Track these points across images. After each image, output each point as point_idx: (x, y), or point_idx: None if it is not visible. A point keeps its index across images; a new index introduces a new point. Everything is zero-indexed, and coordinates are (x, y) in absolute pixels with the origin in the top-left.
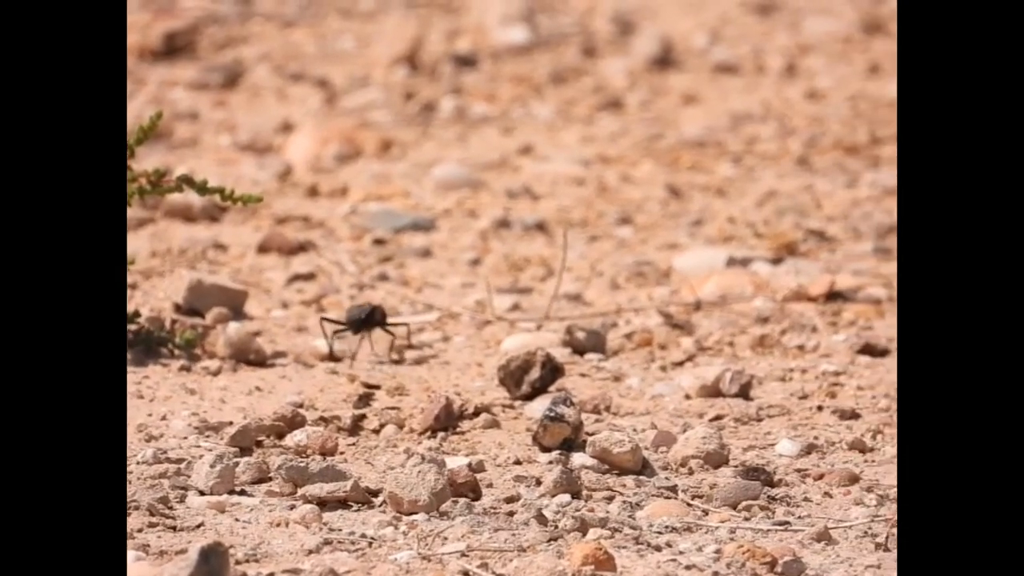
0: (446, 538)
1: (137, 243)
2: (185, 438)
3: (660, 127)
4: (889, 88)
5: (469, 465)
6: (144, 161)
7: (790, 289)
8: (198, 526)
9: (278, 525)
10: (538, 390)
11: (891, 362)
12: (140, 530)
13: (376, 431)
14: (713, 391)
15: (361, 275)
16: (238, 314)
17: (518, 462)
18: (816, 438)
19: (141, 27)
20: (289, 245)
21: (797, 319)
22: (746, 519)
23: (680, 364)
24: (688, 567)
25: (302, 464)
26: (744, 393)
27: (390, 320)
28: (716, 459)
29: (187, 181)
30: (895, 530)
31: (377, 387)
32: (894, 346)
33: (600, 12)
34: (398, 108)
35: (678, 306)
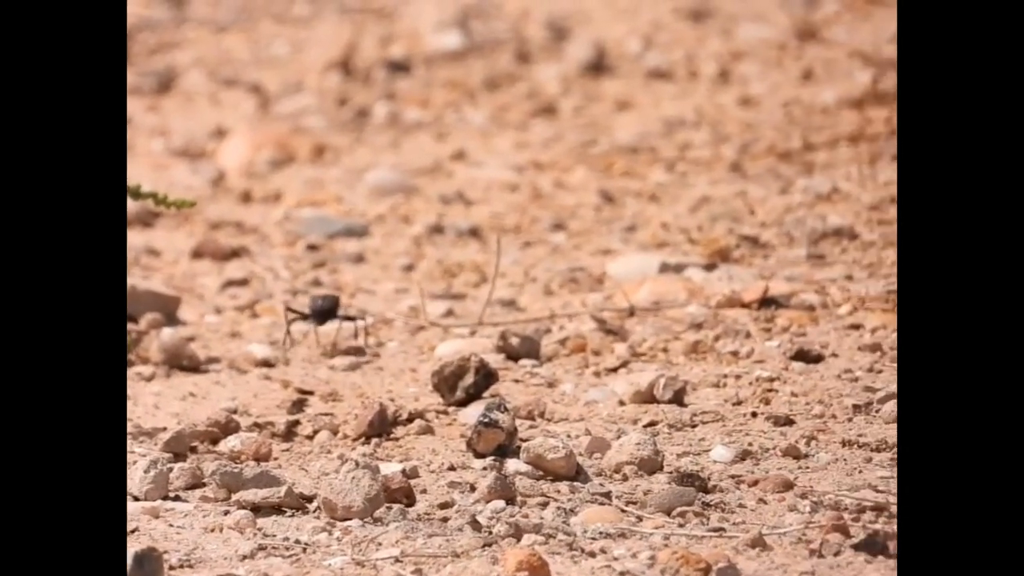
0: (380, 544)
1: None
2: None
3: (594, 133)
4: (822, 94)
5: (403, 471)
6: None
7: (724, 295)
8: (132, 531)
9: (212, 531)
10: (472, 396)
11: (824, 368)
12: None
13: (310, 437)
14: (647, 397)
15: (294, 281)
16: (172, 320)
17: (452, 468)
18: (750, 444)
19: None
20: (222, 251)
21: (731, 325)
22: (680, 525)
23: (614, 370)
24: (622, 573)
25: (236, 470)
26: (678, 399)
27: (343, 313)
28: (650, 465)
29: None
30: (829, 536)
31: (311, 393)
32: (828, 352)
33: (534, 18)
34: (332, 114)
35: (612, 312)
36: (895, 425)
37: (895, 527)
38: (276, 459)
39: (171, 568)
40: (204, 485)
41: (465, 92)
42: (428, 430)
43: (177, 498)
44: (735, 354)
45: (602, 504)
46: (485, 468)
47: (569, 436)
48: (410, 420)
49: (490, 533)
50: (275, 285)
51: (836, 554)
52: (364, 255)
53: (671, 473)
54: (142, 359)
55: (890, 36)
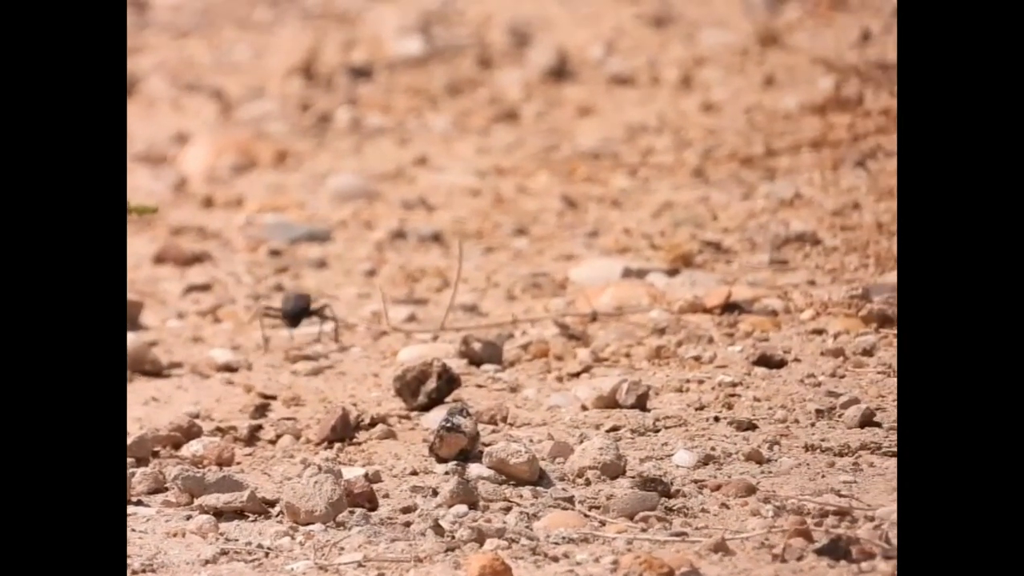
0: (343, 548)
1: None
2: None
3: (556, 138)
4: (784, 100)
5: (366, 475)
6: None
7: (686, 300)
8: None
9: (174, 535)
10: (434, 401)
11: (787, 373)
12: None
13: (273, 442)
14: (610, 402)
15: (257, 286)
16: (134, 324)
17: (415, 473)
18: (713, 449)
19: None
20: (185, 256)
21: (693, 330)
22: (643, 530)
23: (576, 375)
24: None
25: (198, 474)
26: (641, 404)
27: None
28: (613, 470)
29: None
30: (792, 541)
31: (273, 397)
32: (790, 357)
33: (496, 24)
34: (293, 119)
35: (574, 317)
36: (858, 430)
37: (858, 532)
38: (239, 464)
39: (133, 572)
40: (166, 490)
41: (427, 98)
42: (390, 435)
43: (139, 503)
44: (698, 359)
45: (565, 509)
46: (448, 473)
47: (532, 441)
48: (372, 425)
49: (453, 538)
50: (237, 290)
51: (799, 559)
52: (326, 260)
53: (634, 478)
54: None
55: (853, 42)
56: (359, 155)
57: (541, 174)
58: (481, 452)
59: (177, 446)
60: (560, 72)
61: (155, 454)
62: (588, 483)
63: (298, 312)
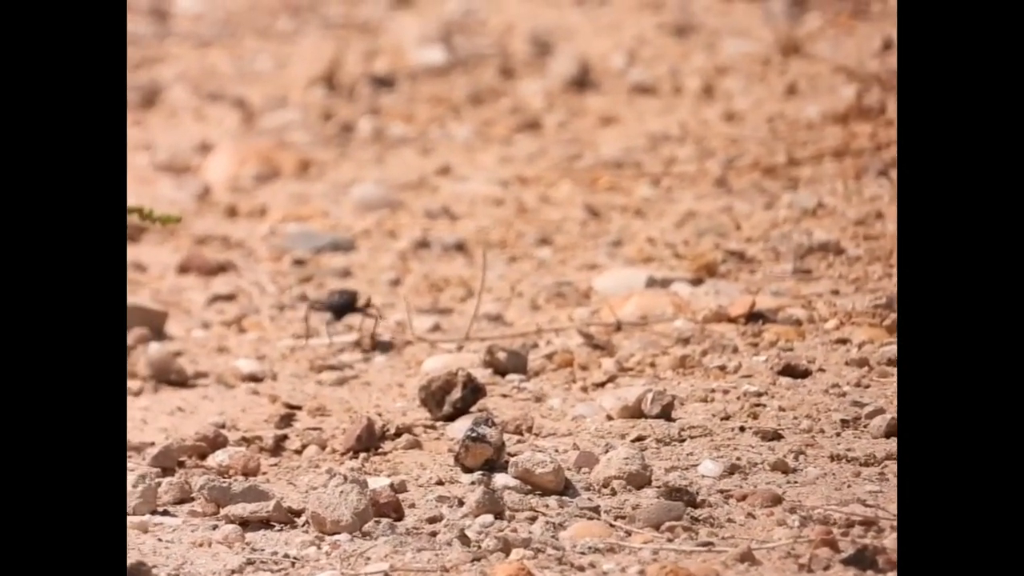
0: (369, 558)
1: None
2: None
3: (578, 148)
4: (807, 109)
5: (391, 485)
6: None
7: (710, 310)
8: None
9: (201, 545)
10: (460, 411)
11: (812, 383)
12: None
13: (298, 451)
14: (635, 412)
15: (281, 295)
16: (159, 335)
17: (440, 483)
18: (738, 459)
19: None
20: (209, 265)
21: (718, 340)
22: (669, 540)
23: (601, 385)
24: None
25: (224, 484)
26: (666, 414)
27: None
28: (638, 480)
29: None
30: (818, 551)
31: (299, 408)
32: (815, 367)
33: (518, 33)
34: (316, 128)
35: (599, 327)
36: (883, 439)
37: (884, 542)
38: (264, 473)
39: None
40: (192, 500)
41: (449, 107)
42: (416, 444)
43: (166, 512)
44: (722, 369)
45: (591, 519)
46: (473, 483)
47: (557, 451)
48: (398, 435)
49: (479, 548)
50: (261, 300)
51: (825, 568)
52: (350, 270)
53: (659, 488)
54: (130, 374)
55: (874, 51)
56: (382, 164)
57: (564, 183)
58: (507, 462)
59: (203, 456)
60: (582, 81)
61: (181, 464)
62: (614, 493)
63: (343, 306)
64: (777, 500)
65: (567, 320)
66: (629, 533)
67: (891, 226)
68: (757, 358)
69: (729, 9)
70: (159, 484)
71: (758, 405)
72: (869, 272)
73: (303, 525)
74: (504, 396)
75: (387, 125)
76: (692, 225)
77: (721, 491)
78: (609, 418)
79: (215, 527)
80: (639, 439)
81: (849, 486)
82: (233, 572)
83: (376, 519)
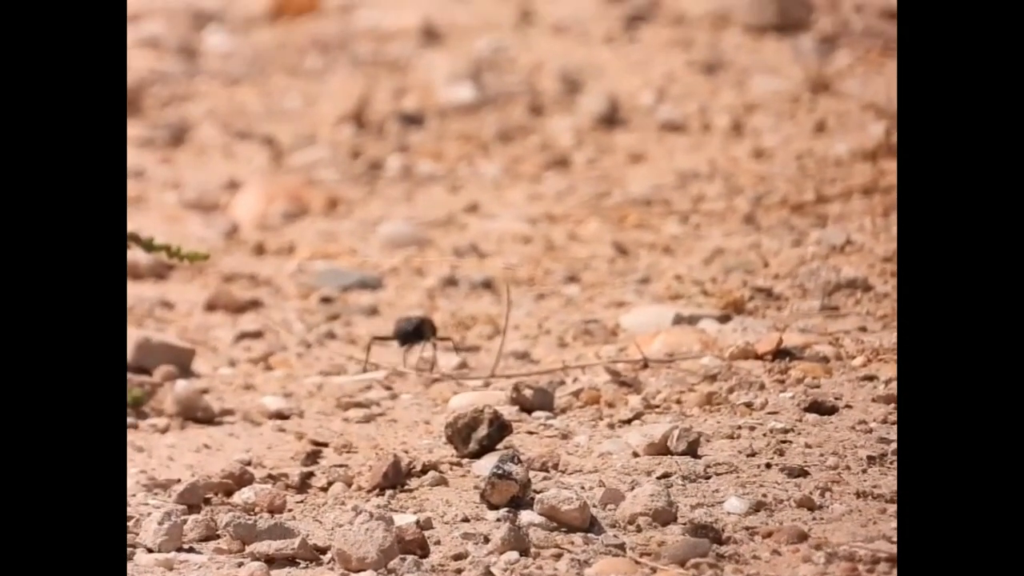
0: None
1: None
2: (133, 495)
3: (607, 185)
4: (835, 147)
5: (417, 522)
6: None
7: (737, 347)
8: None
9: None
10: (486, 448)
11: (839, 420)
12: None
13: (324, 489)
14: (661, 449)
15: (308, 333)
16: (186, 372)
17: (466, 519)
18: (764, 496)
19: None
20: (236, 303)
21: (745, 377)
22: None
23: (628, 422)
24: None
25: (250, 521)
26: (692, 451)
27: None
28: (664, 516)
29: (134, 239)
30: None
31: (325, 445)
32: (842, 404)
33: (547, 71)
34: (345, 166)
35: (625, 364)
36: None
37: None
38: (290, 511)
39: None
40: (218, 537)
41: (478, 145)
42: (442, 482)
43: (191, 550)
44: (749, 405)
45: (616, 555)
46: (499, 520)
47: (583, 487)
48: (424, 472)
49: None
50: (289, 338)
51: None
52: (378, 307)
53: (685, 524)
54: (156, 411)
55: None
56: (410, 202)
57: (592, 221)
58: (532, 499)
59: (229, 493)
60: (611, 119)
61: (207, 501)
62: (639, 530)
63: (410, 332)
64: (803, 537)
65: (594, 357)
66: (655, 570)
67: None
68: (784, 395)
69: (759, 47)
70: (185, 521)
71: (784, 442)
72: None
73: (328, 562)
74: (530, 433)
75: (416, 163)
76: (720, 262)
77: (747, 528)
78: (635, 455)
79: (240, 564)
80: (665, 476)
81: (875, 523)
82: None
83: (402, 556)
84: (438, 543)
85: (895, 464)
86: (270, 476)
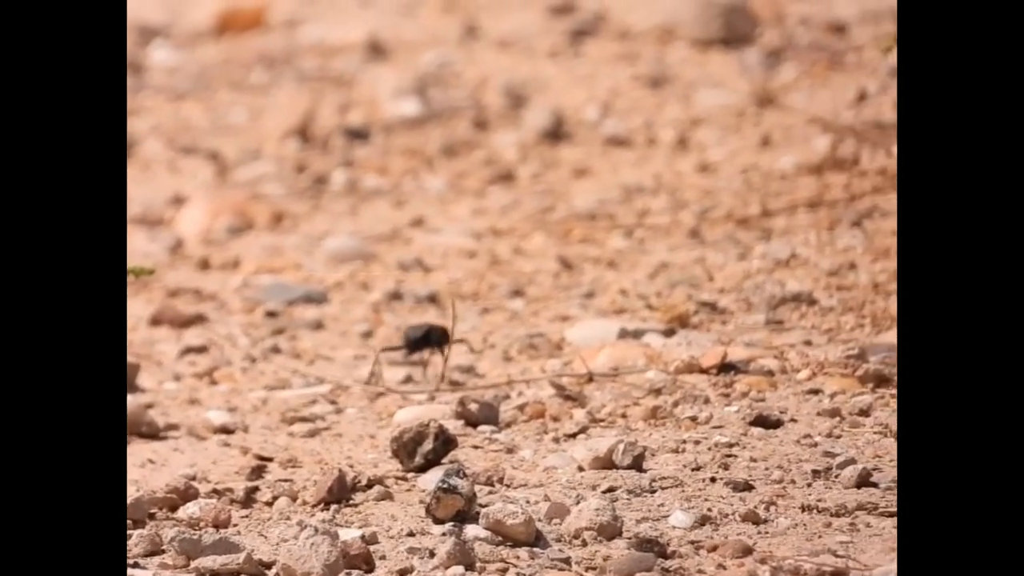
0: None
1: None
2: None
3: (551, 200)
4: (781, 160)
5: (362, 537)
6: None
7: (682, 361)
8: None
9: None
10: (431, 462)
11: (784, 433)
12: None
13: (269, 503)
14: (606, 463)
15: (253, 348)
16: (131, 387)
17: (411, 534)
18: (709, 510)
19: None
20: (181, 318)
21: (690, 391)
22: None
23: (573, 436)
24: None
25: (195, 536)
26: (637, 465)
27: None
28: (609, 531)
29: None
30: None
31: (270, 459)
32: (787, 417)
33: (492, 86)
34: (290, 181)
35: (570, 378)
36: (854, 490)
37: None
38: (235, 525)
39: None
40: (163, 552)
41: (423, 159)
42: (387, 496)
43: (136, 565)
44: (694, 419)
45: (561, 570)
46: (444, 534)
47: (528, 502)
48: (369, 486)
49: None
50: (234, 352)
51: None
52: (323, 322)
53: (630, 539)
54: None
55: (849, 102)
56: (355, 216)
57: (537, 235)
58: (478, 513)
59: (174, 508)
60: (556, 133)
61: (151, 516)
62: (584, 544)
63: (419, 340)
64: (748, 551)
65: (539, 371)
66: None
67: (864, 277)
68: (729, 409)
69: (704, 61)
70: (130, 536)
71: (729, 456)
72: (842, 323)
73: None
74: (476, 447)
75: (361, 177)
76: (665, 276)
77: (692, 542)
78: (580, 469)
79: None
80: (610, 490)
81: (820, 537)
82: None
83: (347, 571)
84: (383, 558)
85: (839, 478)
86: (215, 491)
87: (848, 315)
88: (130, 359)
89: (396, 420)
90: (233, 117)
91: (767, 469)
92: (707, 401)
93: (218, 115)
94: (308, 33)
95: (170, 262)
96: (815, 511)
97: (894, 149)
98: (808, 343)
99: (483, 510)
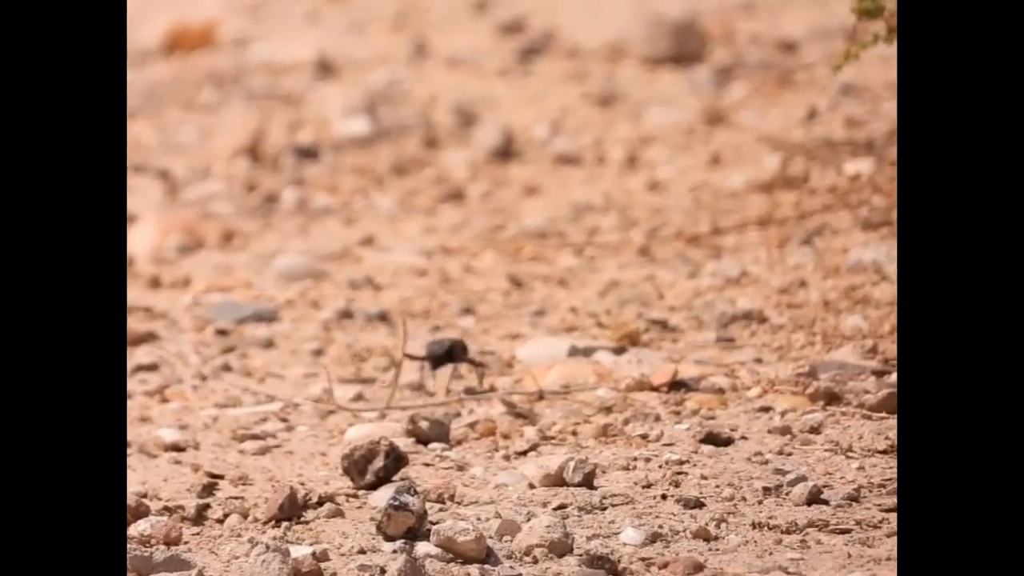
0: None
1: None
2: None
3: (502, 218)
4: (731, 178)
5: (313, 554)
6: None
7: (633, 378)
8: None
9: None
10: (382, 479)
11: (734, 451)
12: None
13: (220, 520)
14: (557, 480)
15: (204, 366)
16: None
17: (362, 551)
18: (660, 527)
19: None
20: (132, 336)
21: (640, 408)
22: None
23: (523, 453)
24: None
25: (146, 554)
26: (588, 482)
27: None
28: (560, 548)
29: None
30: None
31: (221, 477)
32: (737, 435)
33: (441, 104)
34: (240, 200)
35: (521, 396)
36: (805, 507)
37: None
38: (186, 543)
39: None
40: None
41: (373, 178)
42: (338, 513)
43: None
44: (645, 437)
45: None
46: (395, 551)
47: (479, 519)
48: (320, 503)
49: None
50: (184, 370)
51: None
52: (274, 340)
53: (581, 555)
54: None
55: (798, 120)
56: (306, 235)
57: (487, 254)
58: (429, 530)
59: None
60: (506, 152)
61: None
62: (536, 561)
63: (442, 356)
64: (699, 568)
65: (490, 389)
66: None
67: (814, 294)
68: (679, 426)
69: (654, 79)
70: None
71: (680, 473)
72: (792, 340)
73: None
74: (426, 465)
75: (311, 196)
76: (615, 294)
77: (643, 559)
78: (531, 486)
79: None
80: (561, 507)
81: (771, 554)
82: None
83: None
84: (334, 575)
85: (790, 495)
86: (166, 508)
87: (799, 333)
88: None
89: (347, 438)
90: (183, 136)
91: (718, 486)
92: (658, 419)
93: (168, 133)
94: (257, 52)
95: None
96: (766, 528)
97: (845, 167)
98: (759, 361)
99: (434, 527)
